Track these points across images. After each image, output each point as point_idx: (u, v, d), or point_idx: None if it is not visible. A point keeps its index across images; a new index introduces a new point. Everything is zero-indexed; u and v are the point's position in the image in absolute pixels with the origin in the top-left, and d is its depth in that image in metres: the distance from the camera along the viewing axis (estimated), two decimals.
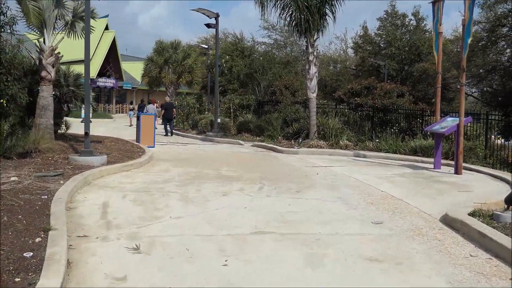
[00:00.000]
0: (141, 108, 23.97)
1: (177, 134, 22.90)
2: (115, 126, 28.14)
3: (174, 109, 23.20)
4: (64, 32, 12.44)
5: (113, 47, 44.77)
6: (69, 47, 43.32)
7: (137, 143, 15.48)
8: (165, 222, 6.02)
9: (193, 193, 7.90)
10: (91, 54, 42.72)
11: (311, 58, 17.24)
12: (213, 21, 20.57)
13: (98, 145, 13.68)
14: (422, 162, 13.39)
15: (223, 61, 26.74)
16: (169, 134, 21.94)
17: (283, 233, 5.66)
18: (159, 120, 25.34)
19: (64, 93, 14.88)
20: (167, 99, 24.18)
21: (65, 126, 14.96)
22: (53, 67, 12.11)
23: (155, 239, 5.28)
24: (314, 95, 17.33)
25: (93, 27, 12.59)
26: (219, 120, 20.88)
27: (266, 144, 17.14)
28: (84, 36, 12.54)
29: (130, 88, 50.59)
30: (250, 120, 20.42)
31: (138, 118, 16.42)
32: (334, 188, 8.88)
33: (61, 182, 7.76)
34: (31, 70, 13.20)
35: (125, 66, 51.64)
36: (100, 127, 26.71)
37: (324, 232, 5.72)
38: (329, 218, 6.42)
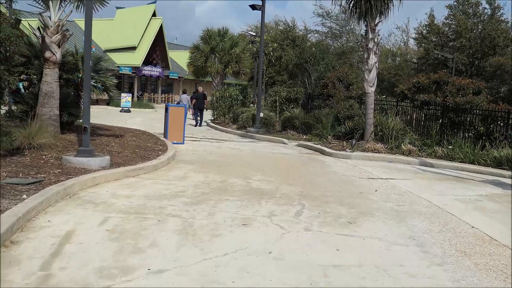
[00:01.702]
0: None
1: (216, 128, 20.82)
2: (154, 117, 26.39)
3: (206, 100, 22.85)
4: (73, 5, 10.46)
5: (160, 35, 43.18)
6: (114, 35, 42.17)
7: (164, 139, 13.43)
8: (135, 280, 3.77)
9: (201, 219, 5.62)
10: (138, 41, 41.55)
11: (370, 45, 14.57)
12: (259, 2, 18.22)
13: (114, 140, 11.70)
14: (511, 178, 10.57)
15: (271, 49, 24.34)
16: (198, 125, 21.49)
17: None
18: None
19: (82, 79, 13.05)
20: (200, 89, 22.45)
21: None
22: (59, 47, 10.20)
23: None
24: (373, 89, 14.67)
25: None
26: (261, 115, 18.56)
27: (313, 145, 14.66)
28: (97, 9, 10.67)
29: (177, 78, 49.00)
30: (297, 116, 17.95)
31: (166, 110, 14.33)
32: (401, 217, 6.36)
33: (24, 197, 5.67)
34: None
35: (173, 54, 50.09)
36: (138, 118, 25.18)
37: None
38: (401, 286, 3.96)
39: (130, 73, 41.29)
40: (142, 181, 7.83)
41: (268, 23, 43.53)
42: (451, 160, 12.51)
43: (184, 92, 24.41)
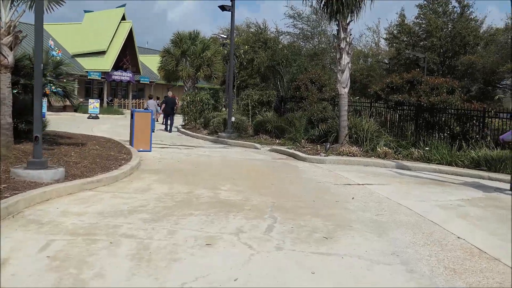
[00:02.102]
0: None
1: (187, 134, 20.12)
2: (123, 123, 25.43)
3: (177, 105, 22.72)
4: (26, 5, 9.69)
5: (130, 39, 42.10)
6: (82, 39, 41.03)
7: (129, 147, 12.71)
8: None
9: (160, 240, 4.99)
10: (107, 45, 40.43)
11: (343, 45, 14.15)
12: (229, 3, 17.64)
13: (74, 149, 10.93)
14: (490, 179, 10.26)
15: (242, 52, 23.78)
16: (167, 130, 21.23)
17: None
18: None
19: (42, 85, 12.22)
20: (170, 93, 21.97)
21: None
22: (11, 50, 9.39)
23: None
24: (346, 90, 14.24)
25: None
26: (233, 119, 17.95)
27: (287, 149, 14.14)
28: (52, 9, 9.97)
29: (148, 82, 47.93)
30: (269, 120, 17.42)
31: (132, 116, 13.60)
32: (381, 229, 5.85)
33: None
34: None
35: (144, 59, 49.00)
36: (105, 124, 24.26)
37: None
38: None
39: (100, 78, 40.14)
40: (100, 195, 7.13)
41: (239, 25, 42.98)
42: (428, 162, 12.15)
43: (150, 98, 23.68)
